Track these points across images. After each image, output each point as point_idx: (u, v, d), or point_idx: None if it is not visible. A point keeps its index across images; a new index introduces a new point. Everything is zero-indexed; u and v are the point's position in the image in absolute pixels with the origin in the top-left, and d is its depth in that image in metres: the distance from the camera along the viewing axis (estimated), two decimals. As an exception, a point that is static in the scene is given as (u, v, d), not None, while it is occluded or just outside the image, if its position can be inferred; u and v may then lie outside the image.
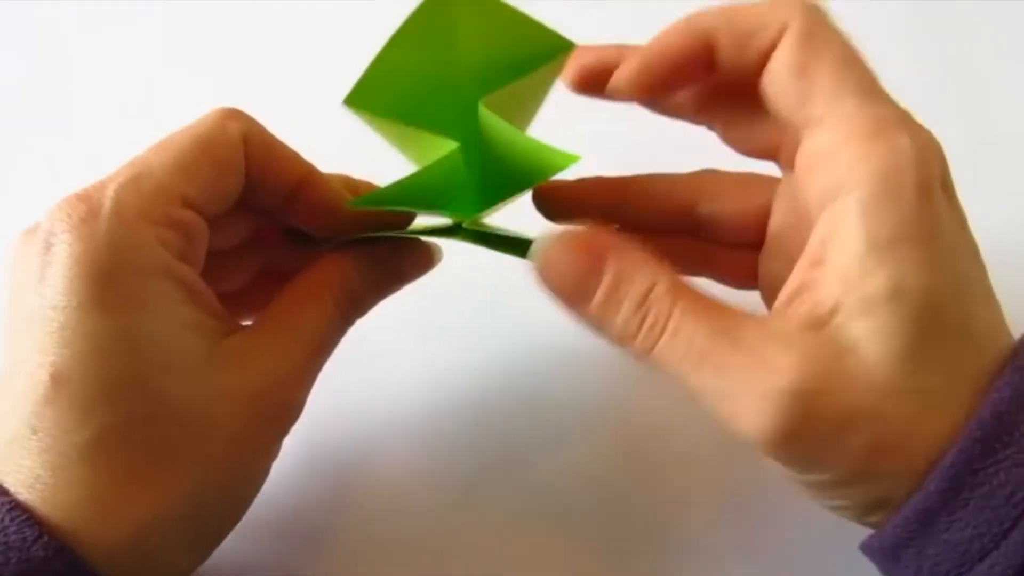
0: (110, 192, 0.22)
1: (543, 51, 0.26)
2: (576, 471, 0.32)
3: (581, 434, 0.33)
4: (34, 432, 0.21)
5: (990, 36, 0.44)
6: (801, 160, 0.22)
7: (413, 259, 0.28)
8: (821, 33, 0.23)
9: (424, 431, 0.33)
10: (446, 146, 0.25)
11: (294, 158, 0.26)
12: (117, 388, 0.21)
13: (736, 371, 0.20)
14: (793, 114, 0.22)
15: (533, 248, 0.22)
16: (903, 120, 0.22)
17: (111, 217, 0.21)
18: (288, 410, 0.25)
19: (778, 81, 0.22)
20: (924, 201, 0.20)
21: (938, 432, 0.20)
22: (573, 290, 0.21)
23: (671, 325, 0.20)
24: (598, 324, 0.22)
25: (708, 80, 0.24)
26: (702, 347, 0.20)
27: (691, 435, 0.33)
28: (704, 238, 0.28)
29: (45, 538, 0.19)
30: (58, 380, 0.20)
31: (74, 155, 0.42)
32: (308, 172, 0.26)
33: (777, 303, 0.21)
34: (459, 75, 0.26)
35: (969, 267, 0.21)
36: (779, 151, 0.25)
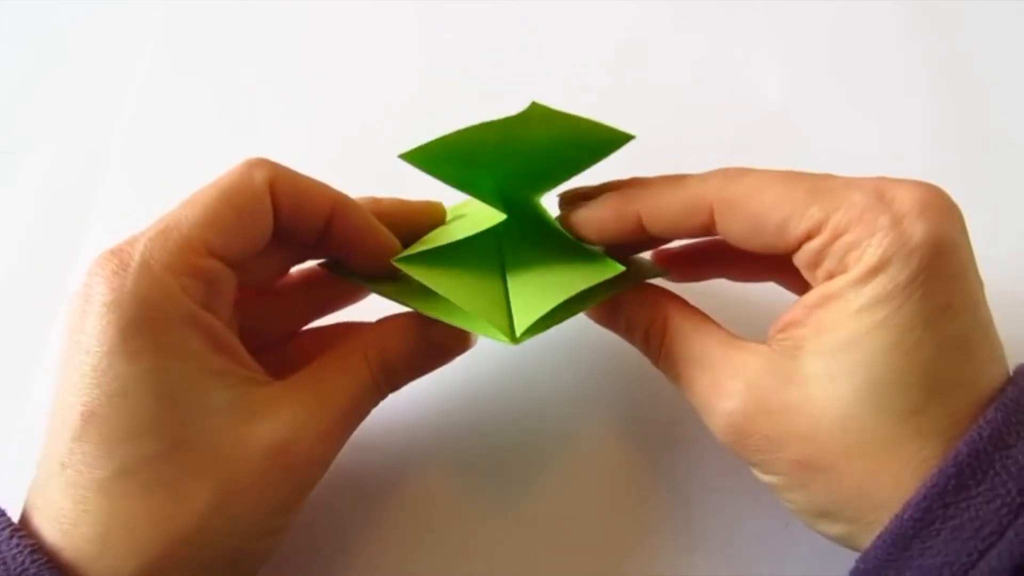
0: (140, 246, 0.23)
1: (605, 145, 0.27)
2: (577, 468, 0.32)
3: (582, 431, 0.33)
4: (63, 468, 0.22)
5: (990, 36, 0.44)
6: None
7: (450, 333, 0.28)
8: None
9: (422, 427, 0.33)
10: (494, 216, 0.27)
11: (322, 192, 0.26)
12: (140, 427, 0.22)
13: (700, 391, 0.25)
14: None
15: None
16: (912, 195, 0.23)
17: (139, 269, 0.23)
18: (309, 466, 0.24)
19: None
20: (915, 291, 0.22)
21: (872, 466, 0.22)
22: (609, 321, 0.29)
23: (663, 350, 0.27)
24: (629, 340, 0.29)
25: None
26: (679, 370, 0.26)
27: (693, 432, 0.33)
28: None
29: (42, 559, 0.21)
30: (87, 419, 0.22)
31: (74, 154, 0.42)
32: (337, 202, 0.26)
33: (772, 328, 0.25)
34: (522, 164, 0.27)
35: (963, 323, 0.22)
36: None
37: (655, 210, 0.26)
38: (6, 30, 0.46)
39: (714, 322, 0.26)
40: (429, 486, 0.32)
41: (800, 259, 0.24)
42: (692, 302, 0.28)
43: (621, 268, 0.26)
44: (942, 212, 0.22)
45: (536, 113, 0.23)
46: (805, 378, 0.23)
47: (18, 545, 0.21)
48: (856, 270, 0.22)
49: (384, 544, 0.31)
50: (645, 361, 0.28)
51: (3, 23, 0.46)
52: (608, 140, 0.26)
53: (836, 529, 0.23)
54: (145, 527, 0.22)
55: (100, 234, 0.39)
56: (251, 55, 0.44)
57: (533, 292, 0.27)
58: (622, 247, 0.28)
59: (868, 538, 0.22)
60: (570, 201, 0.29)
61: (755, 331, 0.26)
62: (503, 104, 0.41)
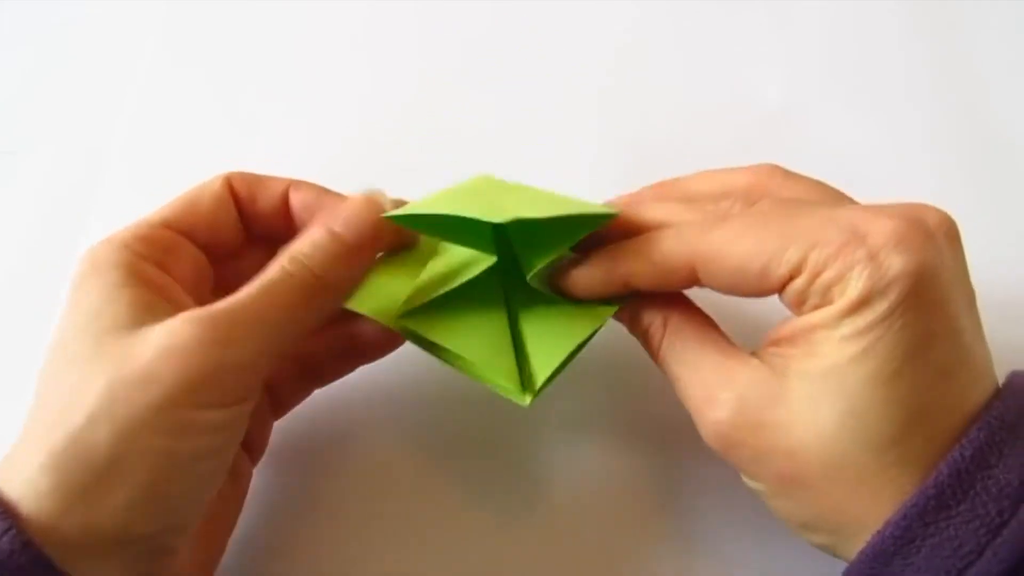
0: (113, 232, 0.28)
1: (588, 223, 0.27)
2: (576, 465, 0.32)
3: (583, 428, 0.33)
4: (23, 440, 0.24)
5: (990, 36, 0.43)
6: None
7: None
8: None
9: (419, 424, 0.33)
10: (485, 259, 0.28)
11: (276, 178, 0.30)
12: (64, 347, 0.25)
13: (692, 395, 0.26)
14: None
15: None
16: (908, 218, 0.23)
17: (104, 240, 0.27)
18: (203, 377, 0.24)
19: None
20: (896, 321, 0.22)
21: (851, 489, 0.22)
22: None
23: (661, 351, 0.27)
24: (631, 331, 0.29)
25: None
26: (674, 371, 0.26)
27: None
28: None
29: (13, 531, 0.21)
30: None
31: (74, 154, 0.42)
32: (290, 181, 0.29)
33: (766, 339, 0.25)
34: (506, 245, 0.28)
35: (944, 350, 0.23)
36: None
37: (638, 274, 0.26)
38: (6, 30, 0.46)
39: (714, 326, 0.27)
40: (423, 488, 0.32)
41: (786, 298, 0.24)
42: (695, 298, 0.28)
43: (614, 308, 0.27)
44: (917, 242, 0.22)
45: (516, 221, 0.24)
46: (791, 398, 0.23)
47: None
48: (839, 304, 0.22)
49: (375, 540, 0.31)
50: (644, 358, 0.28)
51: (3, 23, 0.46)
52: (593, 218, 0.27)
53: (819, 539, 0.24)
54: (43, 427, 0.23)
55: (100, 234, 0.37)
56: (251, 55, 0.44)
57: (540, 344, 0.28)
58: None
59: (851, 550, 0.23)
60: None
61: (752, 331, 0.26)
62: (503, 104, 0.41)
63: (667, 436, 0.32)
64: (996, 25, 0.43)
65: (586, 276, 0.27)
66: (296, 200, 0.29)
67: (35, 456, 0.22)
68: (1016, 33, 0.43)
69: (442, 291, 0.27)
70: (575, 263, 0.27)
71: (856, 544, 0.22)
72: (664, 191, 0.30)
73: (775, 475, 0.24)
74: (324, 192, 0.29)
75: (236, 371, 0.24)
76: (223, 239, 0.29)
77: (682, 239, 0.25)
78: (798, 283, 0.23)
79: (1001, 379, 0.24)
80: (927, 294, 0.22)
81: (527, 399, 0.27)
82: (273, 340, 0.25)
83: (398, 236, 0.29)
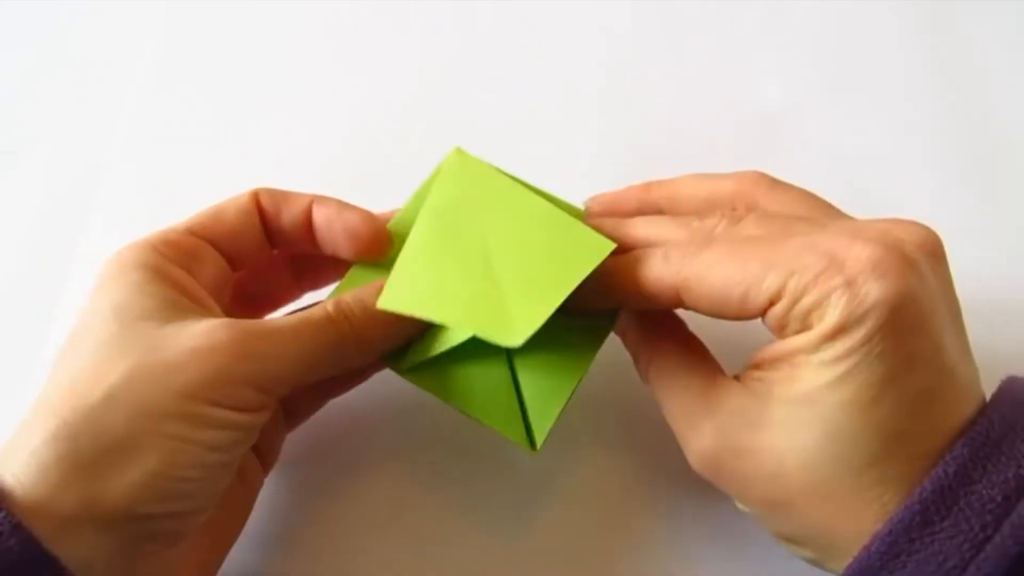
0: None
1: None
2: (577, 468, 0.32)
3: (585, 432, 0.33)
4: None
5: (990, 36, 0.43)
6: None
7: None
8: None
9: (418, 426, 0.33)
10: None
11: (300, 194, 0.30)
12: (87, 333, 0.25)
13: (677, 421, 0.26)
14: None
15: None
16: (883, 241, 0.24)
17: (131, 243, 0.28)
18: (225, 377, 0.25)
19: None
20: (875, 346, 0.22)
21: (835, 509, 0.23)
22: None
23: (650, 373, 0.28)
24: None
25: None
26: (660, 396, 0.27)
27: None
28: None
29: (3, 513, 0.21)
30: (60, 352, 0.26)
31: (74, 154, 0.42)
32: (314, 197, 0.30)
33: (750, 361, 0.26)
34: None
35: (923, 374, 0.23)
36: None
37: (626, 296, 0.27)
38: (6, 30, 0.46)
39: (699, 348, 0.28)
40: (421, 484, 0.32)
41: (768, 323, 0.25)
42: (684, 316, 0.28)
43: (604, 336, 0.29)
44: (895, 268, 0.22)
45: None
46: (771, 424, 0.24)
47: None
48: (818, 329, 0.23)
49: (373, 546, 0.31)
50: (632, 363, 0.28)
51: (3, 23, 0.46)
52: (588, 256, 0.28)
53: (807, 554, 0.25)
54: (57, 398, 0.24)
55: (100, 234, 0.39)
56: (251, 55, 0.44)
57: (539, 392, 0.28)
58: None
59: (838, 565, 0.23)
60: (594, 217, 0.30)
61: (738, 349, 0.26)
62: (503, 104, 0.41)
63: (660, 440, 0.32)
64: (996, 25, 0.43)
65: (580, 294, 0.27)
66: (319, 215, 0.30)
67: (45, 426, 0.23)
68: (1016, 33, 0.43)
69: (446, 347, 0.28)
70: None
71: (844, 559, 0.23)
72: (651, 192, 0.31)
73: (760, 499, 0.24)
74: (344, 207, 0.30)
75: (255, 386, 0.25)
76: (246, 249, 0.30)
77: (668, 264, 0.26)
78: (778, 309, 0.24)
79: (998, 382, 0.24)
80: (906, 320, 0.22)
81: (533, 450, 0.28)
82: (296, 371, 0.26)
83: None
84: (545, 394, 0.28)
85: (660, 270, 0.26)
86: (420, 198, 0.30)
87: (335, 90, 0.43)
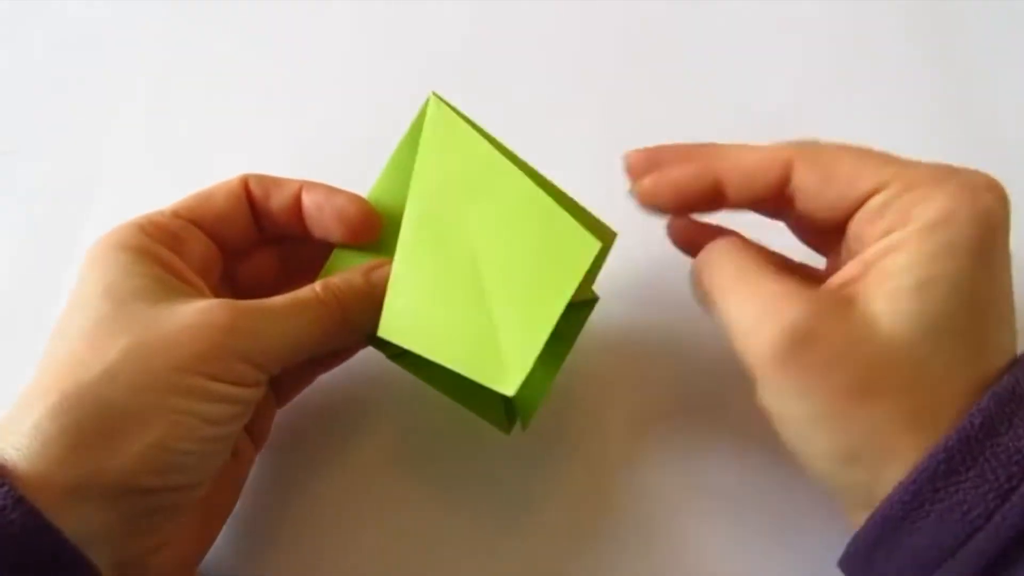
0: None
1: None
2: (577, 469, 0.33)
3: (584, 432, 0.33)
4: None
5: (990, 36, 0.43)
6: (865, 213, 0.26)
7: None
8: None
9: (417, 425, 0.33)
10: None
11: (289, 179, 0.31)
12: (81, 311, 0.26)
13: (758, 300, 0.24)
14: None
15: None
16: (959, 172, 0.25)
17: (120, 225, 0.28)
18: (226, 348, 0.25)
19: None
20: (982, 233, 0.23)
21: (918, 400, 0.22)
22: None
23: (718, 269, 0.26)
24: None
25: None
26: (741, 275, 0.25)
27: (694, 433, 0.33)
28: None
29: (5, 488, 0.22)
30: (53, 332, 0.26)
31: (74, 154, 0.42)
32: (303, 182, 0.30)
33: (825, 287, 0.25)
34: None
35: (1002, 292, 0.24)
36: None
37: (735, 166, 0.27)
38: (6, 30, 0.46)
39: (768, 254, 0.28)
40: (418, 481, 0.32)
41: (863, 215, 0.25)
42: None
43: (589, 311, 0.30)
44: (1004, 198, 0.24)
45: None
46: (868, 316, 0.23)
47: None
48: (925, 218, 0.23)
49: (370, 544, 0.31)
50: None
51: (3, 23, 0.46)
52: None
53: (850, 475, 0.23)
54: (53, 377, 0.24)
55: (100, 234, 0.38)
56: (252, 55, 0.44)
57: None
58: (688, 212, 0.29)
59: (880, 490, 0.22)
60: (637, 168, 0.29)
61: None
62: (504, 104, 0.41)
63: (665, 441, 0.32)
64: (996, 25, 0.43)
65: (678, 170, 0.27)
66: (308, 200, 0.30)
67: (45, 400, 0.23)
68: (1016, 33, 0.43)
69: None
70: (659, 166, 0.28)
71: (886, 479, 0.22)
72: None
73: (841, 389, 0.23)
74: (333, 191, 0.30)
75: (249, 362, 0.26)
76: (234, 233, 0.30)
77: (783, 143, 0.26)
78: (882, 196, 0.24)
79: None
80: (1001, 241, 0.24)
81: (507, 433, 0.29)
82: (289, 348, 0.27)
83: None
84: (531, 378, 0.27)
85: (776, 147, 0.26)
86: (397, 164, 0.30)
87: (336, 90, 0.43)
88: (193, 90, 0.43)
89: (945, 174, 0.24)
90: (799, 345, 0.23)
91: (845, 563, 0.25)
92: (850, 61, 0.43)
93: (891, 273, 0.23)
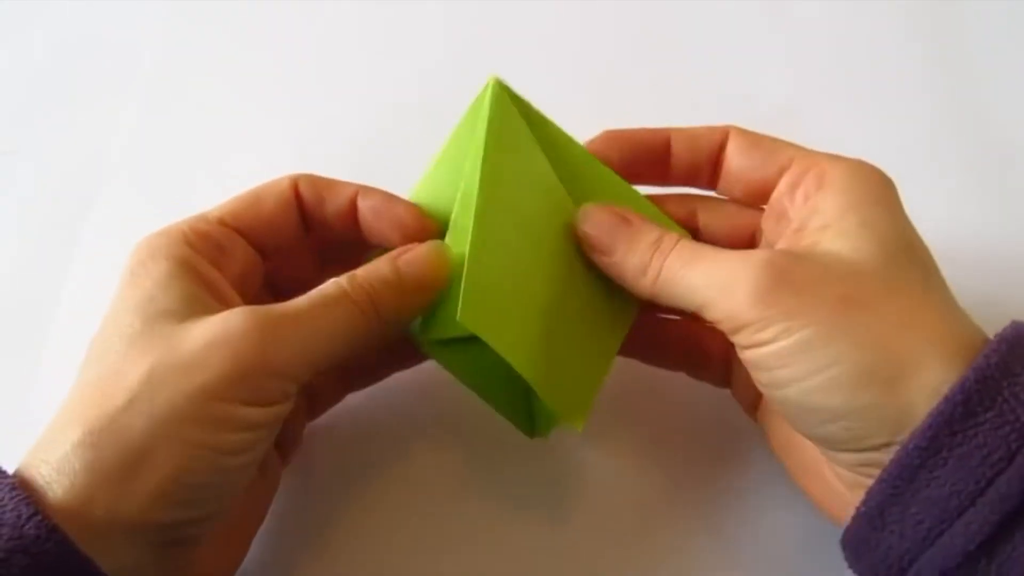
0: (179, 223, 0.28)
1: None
2: (576, 469, 0.33)
3: (598, 430, 0.33)
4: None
5: (990, 36, 0.43)
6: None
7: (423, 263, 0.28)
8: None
9: (424, 421, 0.33)
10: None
11: (345, 182, 0.30)
12: (112, 329, 0.25)
13: (724, 262, 0.25)
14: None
15: (579, 214, 0.29)
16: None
17: (163, 230, 0.27)
18: (249, 367, 0.24)
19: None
20: (886, 191, 0.26)
21: (909, 304, 0.23)
22: (608, 236, 0.28)
23: (676, 247, 0.27)
24: (621, 262, 0.28)
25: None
26: (697, 252, 0.26)
27: (694, 434, 0.33)
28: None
29: (39, 517, 0.21)
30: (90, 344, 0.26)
31: (74, 154, 0.42)
32: (360, 185, 0.29)
33: (777, 246, 0.27)
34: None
35: (917, 241, 0.26)
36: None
37: (683, 129, 0.31)
38: (6, 30, 0.46)
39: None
40: (426, 479, 0.32)
41: (782, 187, 0.27)
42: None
43: (633, 312, 0.30)
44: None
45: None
46: (830, 254, 0.24)
47: None
48: (839, 181, 0.26)
49: (383, 539, 0.31)
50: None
51: (3, 23, 0.46)
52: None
53: (862, 401, 0.22)
54: (83, 405, 0.23)
55: (100, 234, 0.39)
56: (252, 55, 0.44)
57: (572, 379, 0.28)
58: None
59: (905, 405, 0.21)
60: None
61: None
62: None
63: (675, 437, 0.32)
64: (996, 25, 0.43)
65: (631, 130, 0.32)
66: (365, 206, 0.29)
67: (73, 432, 0.23)
68: (1016, 33, 0.43)
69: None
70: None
71: (911, 393, 0.21)
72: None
73: (835, 299, 0.23)
74: (391, 199, 0.29)
75: (278, 372, 0.24)
76: (280, 240, 0.29)
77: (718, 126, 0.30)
78: (793, 169, 0.27)
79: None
80: (897, 196, 0.26)
81: (531, 438, 0.30)
82: (318, 351, 0.25)
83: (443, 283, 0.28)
84: (578, 384, 0.28)
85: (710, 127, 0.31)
86: (451, 153, 0.30)
87: (336, 90, 0.43)
88: (193, 90, 0.43)
89: (836, 155, 0.27)
90: (781, 274, 0.23)
91: (851, 533, 0.23)
92: (850, 61, 0.43)
93: (832, 220, 0.25)
